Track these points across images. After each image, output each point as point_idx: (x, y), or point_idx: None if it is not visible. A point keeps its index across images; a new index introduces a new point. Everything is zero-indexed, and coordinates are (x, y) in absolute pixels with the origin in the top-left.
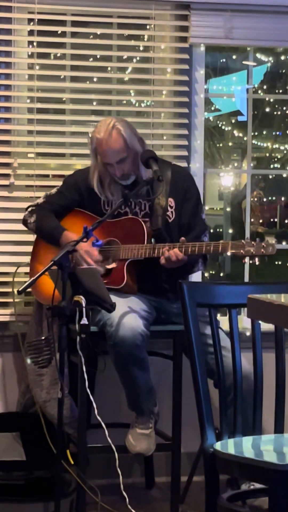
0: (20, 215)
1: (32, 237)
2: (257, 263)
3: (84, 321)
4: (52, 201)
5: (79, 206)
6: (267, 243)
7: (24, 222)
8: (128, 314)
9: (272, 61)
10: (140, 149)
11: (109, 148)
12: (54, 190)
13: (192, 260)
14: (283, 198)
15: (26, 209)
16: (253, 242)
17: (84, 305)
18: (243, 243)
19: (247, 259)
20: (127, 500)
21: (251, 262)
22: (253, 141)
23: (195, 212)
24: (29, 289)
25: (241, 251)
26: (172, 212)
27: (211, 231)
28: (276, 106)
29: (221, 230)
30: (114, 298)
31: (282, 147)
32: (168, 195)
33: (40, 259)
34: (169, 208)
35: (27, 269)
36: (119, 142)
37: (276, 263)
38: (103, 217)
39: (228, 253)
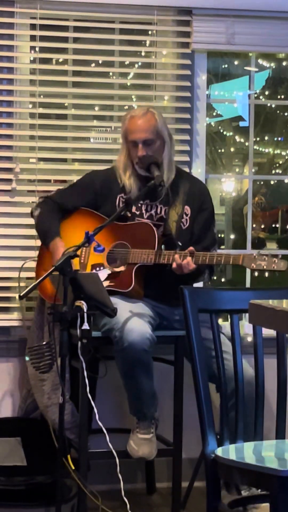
0: (22, 220)
1: (35, 243)
2: (266, 274)
3: (86, 326)
4: (64, 197)
5: (91, 206)
6: (279, 259)
7: (31, 213)
8: (136, 319)
9: (274, 67)
10: (168, 141)
11: (140, 124)
12: (67, 185)
13: (200, 270)
14: (284, 204)
15: (38, 199)
16: (264, 256)
17: (85, 310)
18: (255, 256)
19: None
20: (128, 505)
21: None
22: (255, 147)
23: (207, 224)
24: (30, 294)
25: (252, 264)
26: (187, 219)
27: None
28: (278, 111)
29: (222, 235)
30: (120, 302)
31: (283, 153)
32: (184, 203)
33: (46, 260)
34: (184, 215)
35: (30, 274)
36: (151, 122)
37: None
38: (104, 222)
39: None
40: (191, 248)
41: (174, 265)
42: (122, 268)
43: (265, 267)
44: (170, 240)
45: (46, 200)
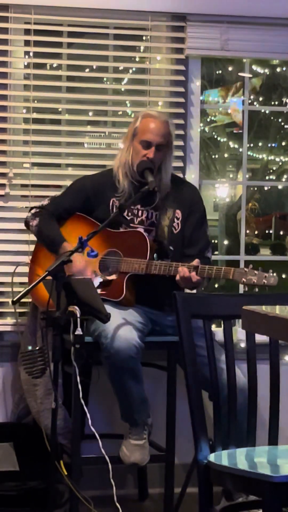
0: (15, 225)
1: (28, 248)
2: (256, 290)
3: (79, 331)
4: (56, 204)
5: (85, 211)
6: (269, 274)
7: (26, 223)
8: (123, 326)
9: (268, 73)
10: (172, 155)
11: (160, 128)
12: (59, 193)
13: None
14: (278, 210)
15: (30, 210)
16: (255, 271)
17: (78, 315)
18: (246, 271)
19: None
20: (120, 511)
21: (246, 290)
22: (249, 153)
23: (199, 225)
24: (24, 299)
25: (243, 279)
26: (178, 223)
27: None
28: (272, 118)
29: (216, 241)
30: (109, 309)
31: (277, 159)
32: (175, 207)
33: (40, 263)
34: (175, 219)
35: (22, 279)
36: (168, 130)
37: None
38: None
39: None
40: (196, 260)
41: (177, 277)
42: (113, 277)
43: (255, 282)
44: (162, 247)
45: (41, 209)
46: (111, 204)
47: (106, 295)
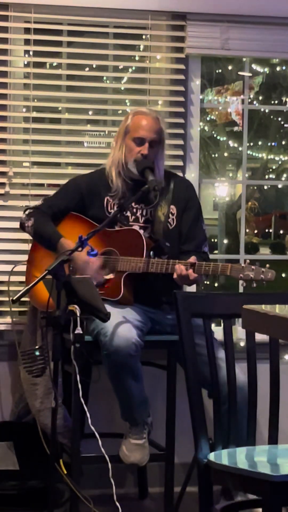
0: (16, 224)
1: (27, 247)
2: (254, 285)
3: (79, 330)
4: (50, 204)
5: (79, 210)
6: (266, 269)
7: (21, 225)
8: (122, 324)
9: (268, 72)
10: (164, 151)
11: (152, 124)
12: (53, 193)
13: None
14: (278, 209)
15: (24, 211)
16: (252, 267)
17: (78, 314)
18: (243, 267)
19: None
20: (120, 510)
21: (243, 285)
22: (248, 152)
23: (195, 221)
24: (23, 298)
25: (240, 275)
26: (173, 219)
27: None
28: (272, 117)
29: (215, 240)
30: (108, 308)
31: (277, 158)
32: (170, 203)
33: (37, 264)
34: (170, 215)
35: (21, 278)
36: (159, 126)
37: None
38: (99, 226)
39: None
40: (193, 257)
41: (174, 275)
42: (111, 276)
43: (252, 277)
44: (158, 244)
45: (35, 210)
46: (105, 203)
47: (104, 295)
